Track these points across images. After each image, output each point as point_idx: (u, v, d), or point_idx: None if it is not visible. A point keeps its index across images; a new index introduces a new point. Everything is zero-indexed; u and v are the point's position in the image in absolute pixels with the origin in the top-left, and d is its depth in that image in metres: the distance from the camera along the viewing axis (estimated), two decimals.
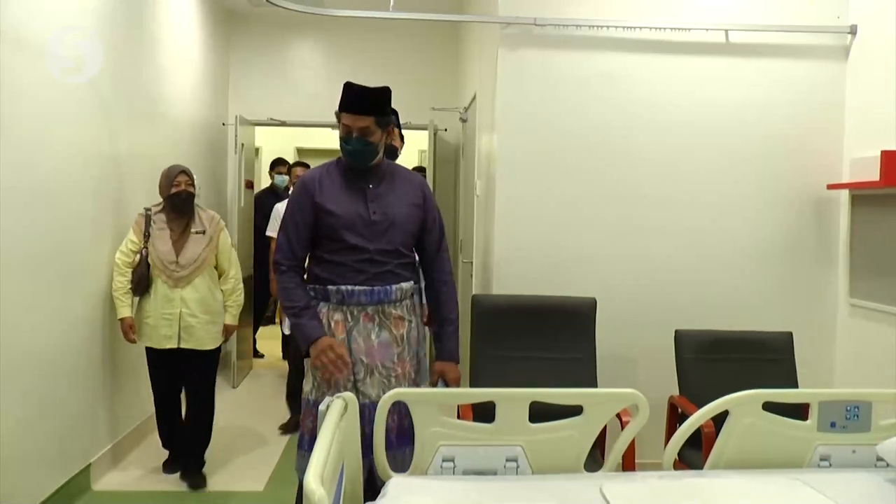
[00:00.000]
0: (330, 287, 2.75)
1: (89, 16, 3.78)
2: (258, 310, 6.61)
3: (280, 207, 4.87)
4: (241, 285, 4.07)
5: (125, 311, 3.83)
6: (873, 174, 3.54)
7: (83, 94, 3.70)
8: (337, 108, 2.72)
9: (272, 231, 5.15)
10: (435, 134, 6.14)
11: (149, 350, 3.92)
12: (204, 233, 3.87)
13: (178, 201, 3.83)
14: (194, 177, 3.95)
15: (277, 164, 6.54)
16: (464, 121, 5.83)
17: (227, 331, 4.01)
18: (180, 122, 5.27)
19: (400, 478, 2.39)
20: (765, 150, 4.03)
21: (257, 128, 6.70)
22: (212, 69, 6.12)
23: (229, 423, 4.63)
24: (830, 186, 3.99)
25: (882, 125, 3.72)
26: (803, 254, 4.09)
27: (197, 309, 3.82)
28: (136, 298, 3.88)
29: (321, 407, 2.16)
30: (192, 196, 3.87)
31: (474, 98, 5.13)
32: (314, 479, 1.59)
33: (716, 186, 4.02)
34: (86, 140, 3.71)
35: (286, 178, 6.28)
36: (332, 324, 2.74)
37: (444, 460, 2.41)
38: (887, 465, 2.50)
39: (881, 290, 3.71)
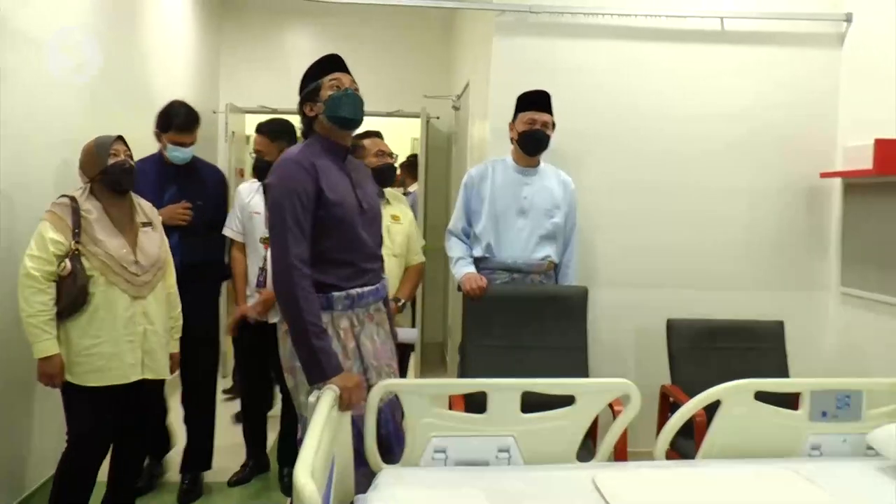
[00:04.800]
0: (335, 294, 2.41)
1: (77, 3, 3.73)
2: None
3: (246, 189, 3.75)
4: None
5: (51, 345, 2.71)
6: (867, 162, 3.53)
7: (71, 83, 3.65)
8: (312, 79, 2.50)
9: (232, 229, 3.72)
10: (427, 122, 6.11)
11: (91, 392, 2.80)
12: (151, 225, 3.01)
13: (118, 174, 2.87)
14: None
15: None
16: (456, 109, 5.80)
17: (175, 361, 3.12)
18: None
19: (391, 469, 2.39)
20: (759, 138, 4.02)
21: (248, 115, 6.65)
22: (202, 56, 6.06)
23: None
24: (824, 175, 3.99)
25: (876, 113, 3.71)
26: (796, 242, 4.08)
27: (160, 325, 2.96)
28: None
29: (310, 399, 2.14)
30: (133, 170, 2.95)
31: (467, 86, 5.10)
32: (303, 473, 1.58)
33: (709, 174, 4.01)
34: (74, 130, 3.59)
35: None
36: (341, 333, 2.44)
37: (435, 451, 2.43)
38: (877, 454, 2.52)
39: (872, 278, 3.72)
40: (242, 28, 6.61)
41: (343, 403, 2.22)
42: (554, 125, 3.49)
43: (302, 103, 2.52)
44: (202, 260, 3.42)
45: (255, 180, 3.73)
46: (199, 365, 3.50)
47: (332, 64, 2.52)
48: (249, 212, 3.64)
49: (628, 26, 3.92)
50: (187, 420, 3.65)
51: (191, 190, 3.49)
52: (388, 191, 3.81)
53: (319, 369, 2.28)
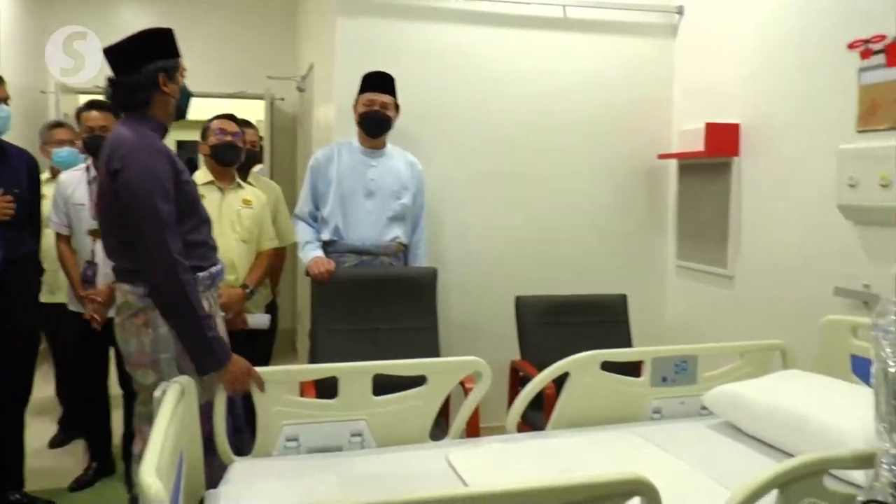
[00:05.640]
0: (200, 274, 2.32)
1: None
2: None
3: (68, 179, 3.48)
4: None
5: None
6: (699, 145, 3.74)
7: None
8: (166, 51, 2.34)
9: (57, 222, 3.48)
10: (272, 103, 5.94)
11: None
12: None
13: None
14: None
15: (55, 129, 4.04)
16: (301, 90, 5.68)
17: None
18: None
19: (243, 461, 2.31)
20: (602, 122, 4.17)
21: (82, 97, 6.24)
22: (24, 34, 5.62)
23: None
24: (661, 156, 4.20)
25: (706, 99, 3.94)
26: (637, 220, 4.28)
27: None
28: None
29: (156, 393, 2.03)
30: None
31: (312, 67, 4.99)
32: (148, 471, 1.49)
33: (554, 156, 4.12)
34: None
35: (74, 151, 3.86)
36: None
37: (287, 440, 2.37)
38: (710, 413, 2.69)
39: (704, 252, 3.96)
40: (75, 5, 6.17)
41: (232, 388, 2.26)
42: (398, 107, 3.47)
43: (156, 73, 2.29)
44: (24, 253, 3.09)
45: (78, 168, 3.49)
46: (21, 366, 3.10)
47: (176, 46, 2.38)
48: (74, 203, 3.40)
49: (475, 11, 3.95)
50: None
51: (4, 177, 3.09)
52: (254, 172, 3.74)
53: (214, 358, 2.23)
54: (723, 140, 3.68)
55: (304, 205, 3.50)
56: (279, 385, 2.38)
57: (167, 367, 2.26)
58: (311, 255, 3.36)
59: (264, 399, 2.34)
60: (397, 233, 3.46)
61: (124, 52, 2.31)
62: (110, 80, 2.32)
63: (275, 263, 3.83)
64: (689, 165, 4.12)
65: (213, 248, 2.45)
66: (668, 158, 4.19)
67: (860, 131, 2.93)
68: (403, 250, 3.53)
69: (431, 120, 3.92)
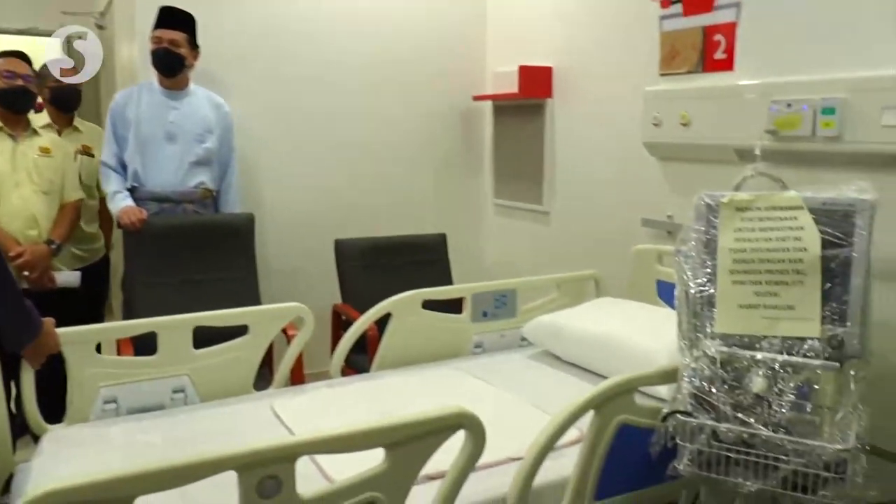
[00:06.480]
0: None
1: None
2: None
3: None
4: None
5: None
6: (512, 87, 3.82)
7: None
8: None
9: None
10: (69, 42, 5.45)
11: None
12: None
13: None
14: None
15: None
16: (101, 28, 5.24)
17: None
18: None
19: (56, 430, 2.17)
20: (416, 63, 4.15)
21: None
22: None
23: None
24: (476, 97, 4.26)
25: (519, 42, 4.02)
26: (454, 160, 4.34)
27: None
28: None
29: None
30: None
31: (111, 2, 4.62)
32: None
33: (370, 98, 4.06)
34: None
35: None
36: None
37: (105, 402, 2.26)
38: (530, 343, 2.83)
39: (520, 190, 4.09)
40: None
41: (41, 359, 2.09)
42: (195, 45, 3.30)
43: None
44: None
45: None
46: None
47: None
48: None
49: None
50: None
51: None
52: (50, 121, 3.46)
53: (33, 328, 2.03)
54: (536, 82, 3.78)
55: (109, 152, 3.27)
56: (93, 344, 2.25)
57: None
58: (120, 204, 3.15)
59: (77, 361, 2.20)
60: (202, 178, 3.31)
61: None
62: None
63: (105, 216, 3.58)
64: (504, 107, 4.21)
65: None
66: (483, 100, 4.26)
67: (663, 74, 3.10)
68: (211, 197, 3.38)
69: (239, 60, 3.73)
